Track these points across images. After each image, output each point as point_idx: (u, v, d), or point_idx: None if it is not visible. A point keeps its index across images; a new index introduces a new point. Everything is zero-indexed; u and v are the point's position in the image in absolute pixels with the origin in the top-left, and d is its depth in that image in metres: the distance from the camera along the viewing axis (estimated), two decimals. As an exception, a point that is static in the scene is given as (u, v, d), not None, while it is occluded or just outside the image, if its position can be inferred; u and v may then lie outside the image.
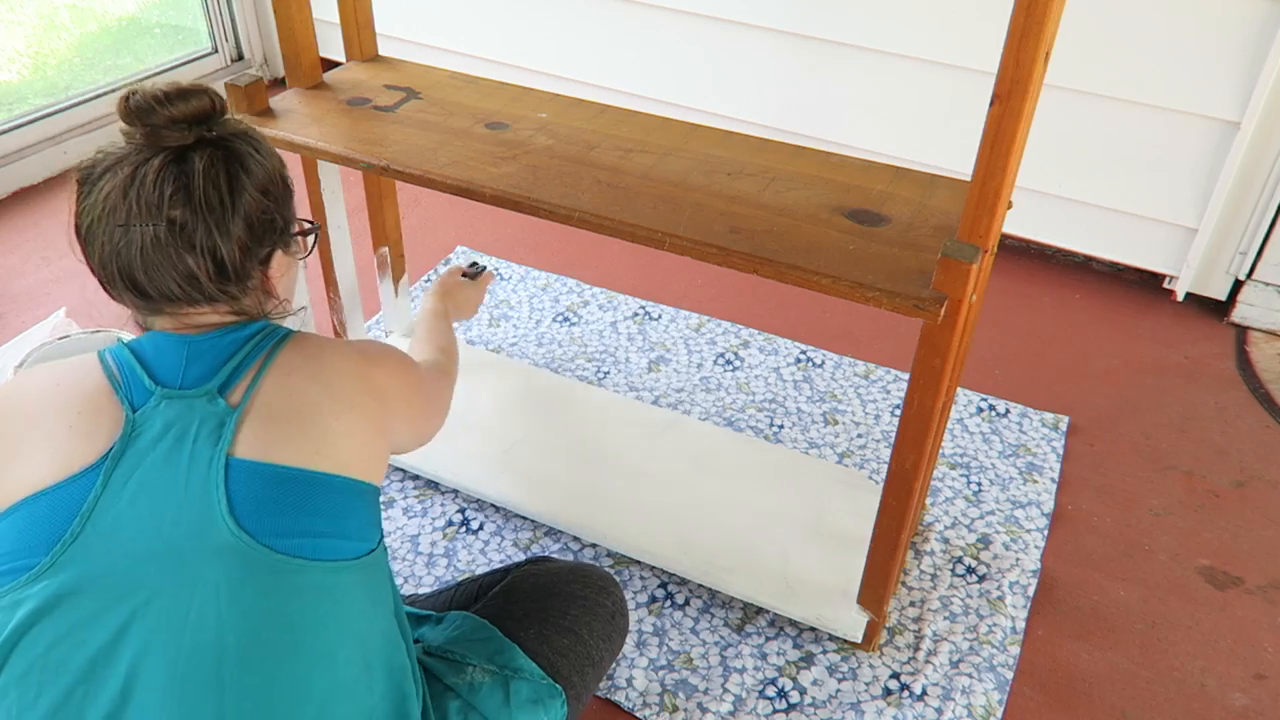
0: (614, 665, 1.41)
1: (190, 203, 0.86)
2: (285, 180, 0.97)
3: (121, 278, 0.88)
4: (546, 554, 1.60)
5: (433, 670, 1.05)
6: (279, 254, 0.97)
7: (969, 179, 1.05)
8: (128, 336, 1.68)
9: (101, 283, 0.91)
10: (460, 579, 1.38)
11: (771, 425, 1.89)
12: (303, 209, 1.65)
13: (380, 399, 0.98)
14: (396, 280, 1.89)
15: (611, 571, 1.58)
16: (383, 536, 0.97)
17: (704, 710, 1.38)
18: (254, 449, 0.87)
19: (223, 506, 0.84)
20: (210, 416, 0.87)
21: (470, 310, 1.57)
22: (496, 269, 2.33)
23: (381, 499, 1.69)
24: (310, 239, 1.04)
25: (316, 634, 0.85)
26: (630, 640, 1.47)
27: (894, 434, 1.52)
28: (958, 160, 2.15)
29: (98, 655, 0.81)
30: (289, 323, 1.02)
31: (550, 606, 1.15)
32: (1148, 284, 2.33)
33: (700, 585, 1.55)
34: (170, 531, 0.83)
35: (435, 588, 1.54)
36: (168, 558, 0.82)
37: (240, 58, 3.08)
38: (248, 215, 0.90)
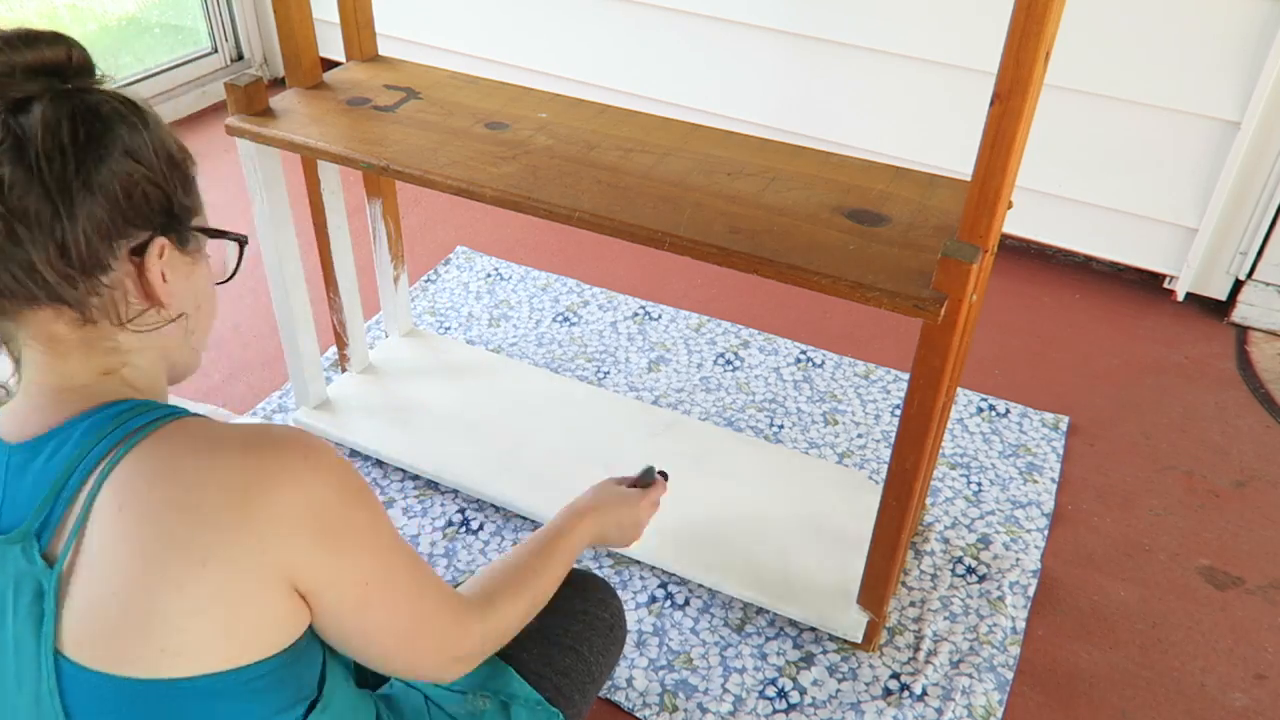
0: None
1: (22, 160, 0.65)
2: (175, 158, 0.74)
3: None
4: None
5: (431, 697, 1.02)
6: (165, 246, 0.73)
7: (969, 179, 1.05)
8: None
9: None
10: (460, 580, 1.38)
11: (771, 425, 1.89)
12: (303, 209, 1.66)
13: (280, 537, 0.68)
14: (394, 254, 1.86)
15: (611, 572, 1.58)
16: (321, 678, 0.79)
17: (704, 710, 1.38)
18: (84, 647, 0.66)
19: None
20: (26, 579, 0.67)
21: (632, 536, 1.20)
22: (496, 269, 2.33)
23: (382, 498, 1.69)
24: (234, 250, 0.82)
25: None
26: (630, 640, 1.47)
27: (894, 434, 1.52)
28: (958, 160, 2.15)
29: None
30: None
31: (550, 624, 1.10)
32: (1148, 284, 2.33)
33: (700, 585, 1.55)
34: None
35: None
36: None
37: (240, 58, 3.08)
38: (107, 186, 0.68)
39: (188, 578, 0.65)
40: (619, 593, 1.46)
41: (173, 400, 0.80)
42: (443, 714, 1.01)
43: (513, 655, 1.06)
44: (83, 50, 0.72)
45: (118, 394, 0.74)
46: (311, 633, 0.75)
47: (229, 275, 0.83)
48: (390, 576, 0.77)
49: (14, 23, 0.90)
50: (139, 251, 0.72)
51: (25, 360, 0.73)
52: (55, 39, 0.70)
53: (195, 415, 0.74)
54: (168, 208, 0.73)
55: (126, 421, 0.70)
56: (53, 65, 0.69)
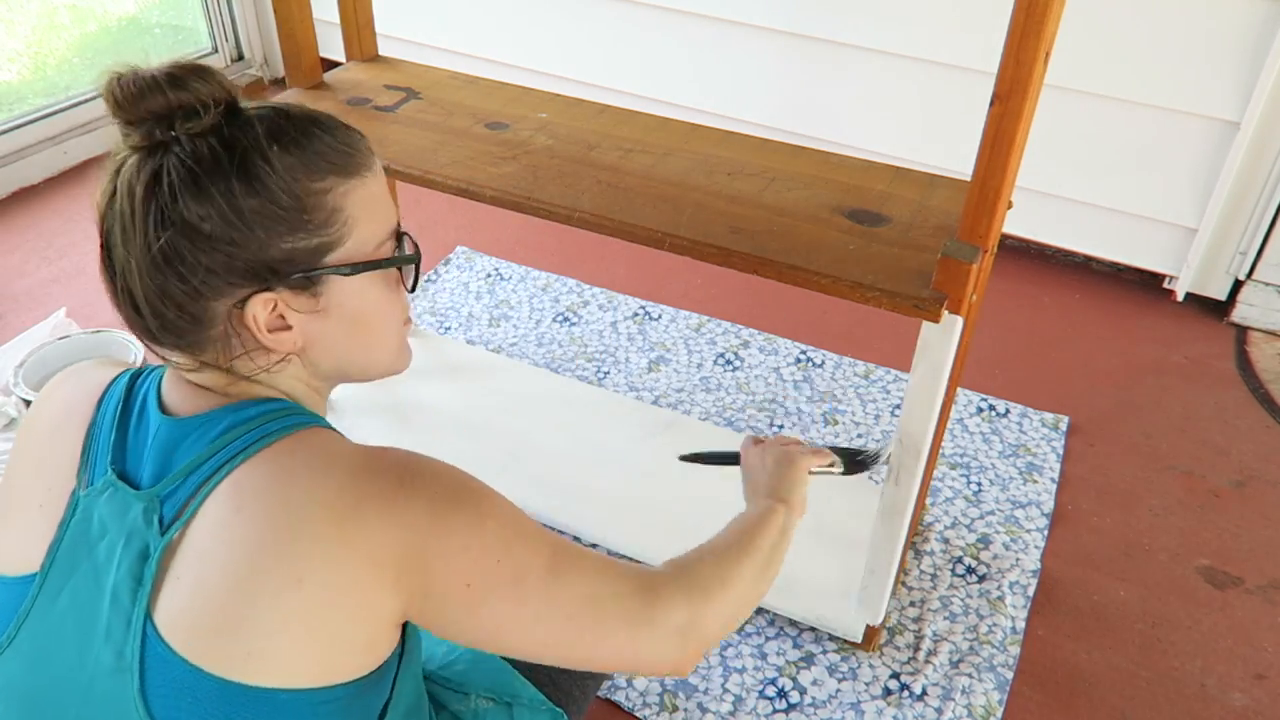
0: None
1: (112, 209, 0.71)
2: (298, 204, 0.71)
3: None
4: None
5: (434, 696, 1.02)
6: (273, 300, 0.72)
7: (969, 179, 1.05)
8: (134, 342, 1.68)
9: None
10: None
11: (771, 425, 1.89)
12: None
13: (372, 567, 0.68)
14: None
15: (611, 571, 1.58)
16: (384, 710, 0.77)
17: (704, 710, 1.38)
18: (175, 630, 0.67)
19: (139, 709, 0.68)
20: (137, 537, 0.70)
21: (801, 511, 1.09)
22: (496, 269, 2.33)
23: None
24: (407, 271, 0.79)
25: None
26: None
27: (894, 434, 1.52)
28: (958, 160, 2.15)
29: None
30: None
31: None
32: (1148, 284, 2.33)
33: (700, 585, 1.55)
34: (84, 699, 0.70)
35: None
36: None
37: (240, 58, 3.08)
38: (169, 247, 0.69)
39: (284, 593, 0.66)
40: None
41: None
42: (447, 714, 1.01)
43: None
44: (222, 88, 0.71)
45: (263, 394, 0.76)
46: (386, 663, 0.74)
47: (409, 287, 0.81)
48: (518, 571, 0.73)
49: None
50: (240, 304, 0.72)
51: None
52: (200, 76, 0.70)
53: (327, 428, 0.76)
54: (269, 265, 0.71)
55: (265, 424, 0.72)
56: (164, 111, 0.70)
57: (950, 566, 1.61)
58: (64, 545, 0.73)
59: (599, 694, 1.39)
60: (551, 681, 1.06)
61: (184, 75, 0.70)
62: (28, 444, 0.80)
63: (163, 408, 0.76)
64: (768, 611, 1.51)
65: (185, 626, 0.67)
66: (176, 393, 0.76)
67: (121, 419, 0.76)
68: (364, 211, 0.75)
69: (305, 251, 0.72)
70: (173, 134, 0.69)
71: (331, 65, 1.60)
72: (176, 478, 0.71)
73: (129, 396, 0.77)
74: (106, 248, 0.73)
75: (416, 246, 0.81)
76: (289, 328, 0.74)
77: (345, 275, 0.74)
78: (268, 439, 0.71)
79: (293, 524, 0.67)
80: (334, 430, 0.77)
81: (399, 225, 0.80)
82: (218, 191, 0.68)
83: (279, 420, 0.73)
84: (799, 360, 2.07)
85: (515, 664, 1.05)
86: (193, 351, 0.74)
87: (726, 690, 1.41)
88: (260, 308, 0.71)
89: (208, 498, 0.69)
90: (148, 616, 0.68)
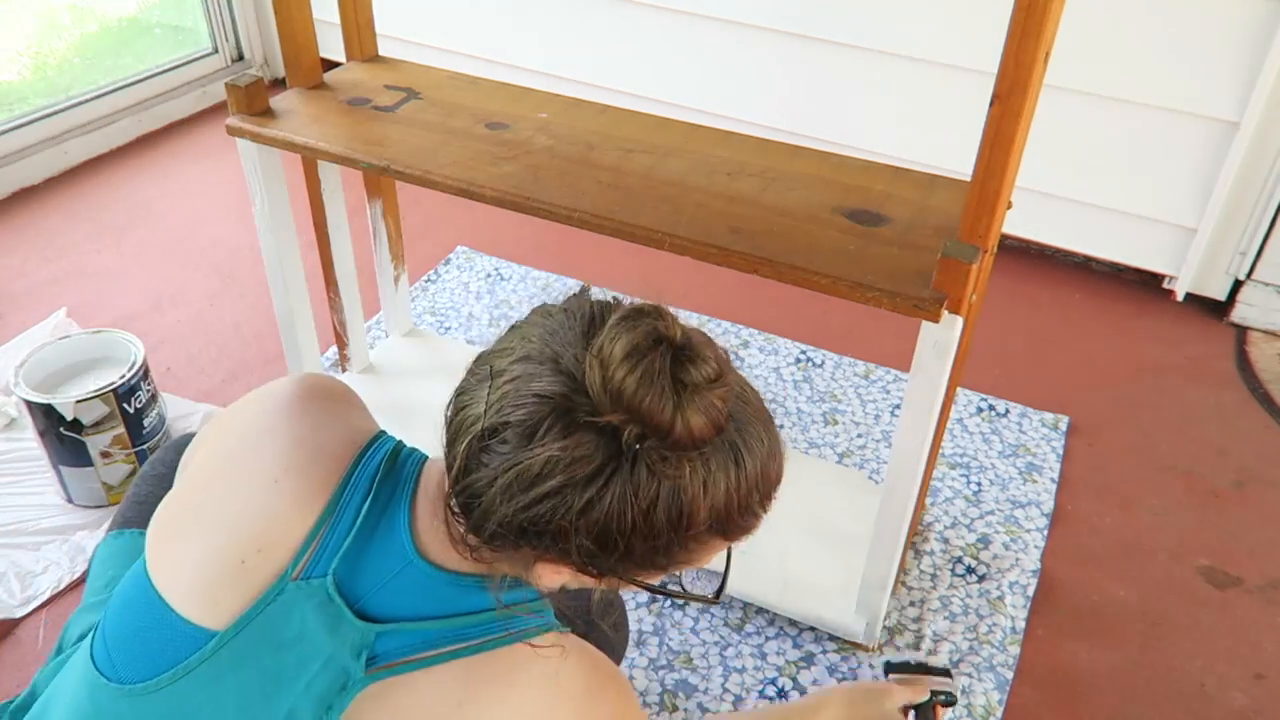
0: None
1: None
2: (673, 529, 0.66)
3: None
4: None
5: None
6: (569, 568, 0.70)
7: (969, 179, 1.05)
8: (135, 341, 1.68)
9: None
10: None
11: (771, 425, 1.89)
12: (303, 209, 1.66)
13: None
14: (394, 254, 1.86)
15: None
16: None
17: (704, 710, 1.38)
18: None
19: None
20: (336, 663, 0.69)
21: None
22: (497, 269, 2.33)
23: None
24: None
25: None
26: (630, 640, 1.47)
27: (894, 434, 1.52)
28: (958, 160, 2.15)
29: None
30: None
31: None
32: (1147, 284, 2.33)
33: (700, 585, 1.55)
34: None
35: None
36: None
37: (240, 58, 3.08)
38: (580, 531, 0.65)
39: None
40: (619, 592, 1.46)
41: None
42: None
43: None
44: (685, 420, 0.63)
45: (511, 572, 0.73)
46: None
47: (714, 596, 0.81)
48: None
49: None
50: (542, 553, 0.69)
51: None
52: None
53: (567, 637, 0.73)
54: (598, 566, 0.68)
55: (516, 618, 0.71)
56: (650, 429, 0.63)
57: (950, 566, 1.61)
58: (253, 625, 0.70)
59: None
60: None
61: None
62: (236, 469, 0.76)
63: (415, 537, 0.72)
64: (767, 611, 1.51)
65: None
66: (431, 526, 0.73)
67: (369, 517, 0.72)
68: (705, 560, 0.74)
69: (645, 565, 0.70)
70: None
71: (331, 65, 1.60)
72: (404, 626, 0.69)
73: (383, 481, 0.74)
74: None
75: (721, 589, 0.80)
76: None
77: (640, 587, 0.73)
78: (512, 640, 0.70)
79: None
80: (566, 637, 0.74)
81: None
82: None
83: (529, 620, 0.72)
84: (799, 360, 2.07)
85: None
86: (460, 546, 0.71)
87: (726, 690, 1.41)
88: (549, 573, 0.70)
89: (430, 668, 0.69)
90: None
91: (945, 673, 1.13)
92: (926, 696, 1.10)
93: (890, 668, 1.14)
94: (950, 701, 1.10)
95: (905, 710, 1.09)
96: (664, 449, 0.63)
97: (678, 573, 0.75)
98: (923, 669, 1.13)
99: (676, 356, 0.63)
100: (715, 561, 0.78)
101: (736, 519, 0.69)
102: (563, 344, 0.65)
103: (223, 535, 0.73)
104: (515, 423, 0.63)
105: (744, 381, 0.71)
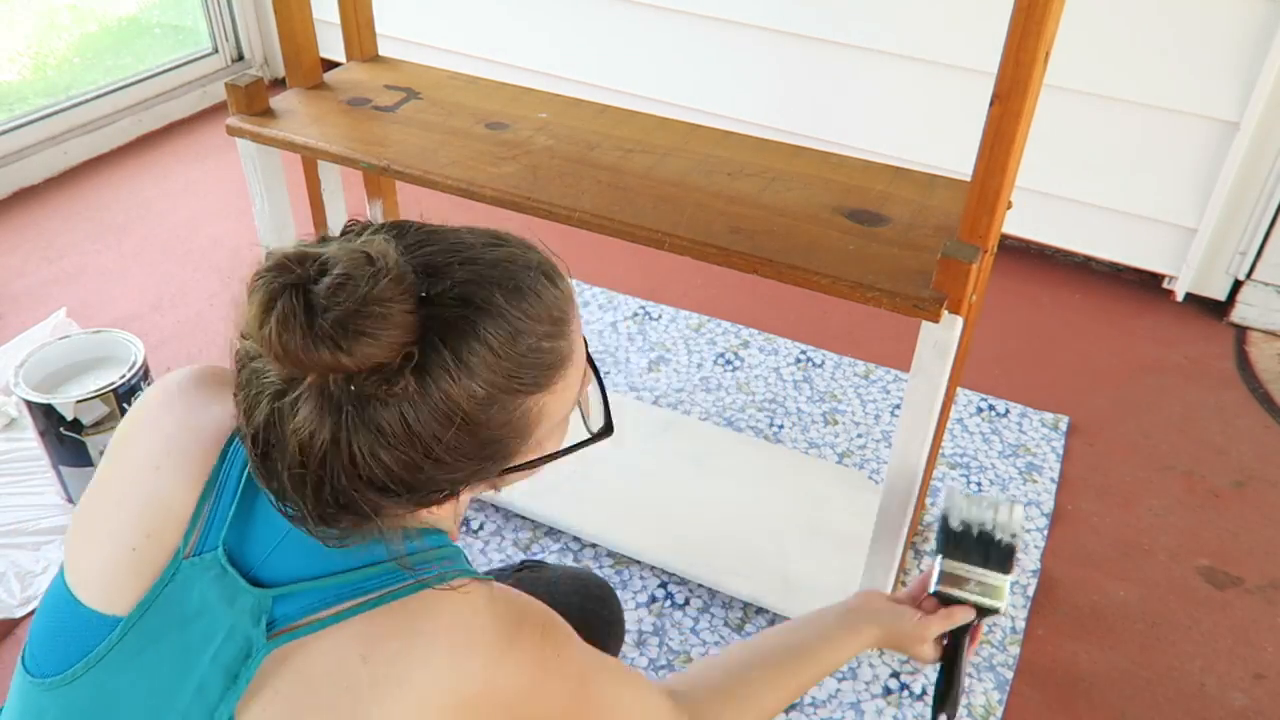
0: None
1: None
2: (491, 438, 0.67)
3: None
4: (545, 554, 1.60)
5: None
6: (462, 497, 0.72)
7: (969, 179, 1.05)
8: (135, 341, 1.68)
9: None
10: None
11: (771, 425, 1.89)
12: (303, 209, 1.66)
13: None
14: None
15: (611, 571, 1.58)
16: None
17: (704, 710, 1.38)
18: None
19: None
20: (239, 632, 0.68)
21: (928, 656, 1.04)
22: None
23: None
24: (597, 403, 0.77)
25: None
26: (630, 640, 1.47)
27: (894, 434, 1.52)
28: (958, 160, 2.15)
29: None
30: None
31: None
32: (1147, 284, 2.33)
33: (700, 585, 1.55)
34: None
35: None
36: None
37: (240, 58, 3.09)
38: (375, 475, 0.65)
39: None
40: (619, 592, 1.46)
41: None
42: None
43: None
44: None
45: (414, 524, 0.73)
46: None
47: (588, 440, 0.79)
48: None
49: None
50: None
51: None
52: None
53: (474, 578, 0.72)
54: (440, 485, 0.67)
55: (419, 564, 0.70)
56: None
57: (950, 566, 1.61)
58: (155, 606, 0.70)
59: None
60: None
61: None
62: (125, 460, 0.76)
63: None
64: (768, 611, 1.51)
65: None
66: None
67: (250, 484, 0.71)
68: (560, 410, 0.75)
69: (508, 453, 0.71)
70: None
71: (331, 65, 1.60)
72: (301, 586, 0.69)
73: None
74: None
75: (608, 416, 0.79)
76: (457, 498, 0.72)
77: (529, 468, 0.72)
78: (418, 587, 0.69)
79: (421, 707, 0.66)
80: (480, 583, 0.72)
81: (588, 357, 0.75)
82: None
83: (433, 567, 0.70)
84: (799, 360, 2.07)
85: None
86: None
87: (726, 690, 1.41)
88: (411, 518, 0.71)
89: (334, 625, 0.67)
90: (232, 719, 0.67)
91: (1007, 554, 1.02)
92: (972, 617, 1.02)
93: (943, 578, 1.04)
94: (993, 610, 1.02)
95: (940, 639, 1.04)
96: (369, 379, 0.61)
97: (559, 432, 0.77)
98: (980, 555, 1.03)
99: (305, 292, 0.59)
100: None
101: (531, 371, 0.68)
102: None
103: (114, 526, 0.74)
104: (263, 424, 0.65)
105: (429, 231, 0.69)
